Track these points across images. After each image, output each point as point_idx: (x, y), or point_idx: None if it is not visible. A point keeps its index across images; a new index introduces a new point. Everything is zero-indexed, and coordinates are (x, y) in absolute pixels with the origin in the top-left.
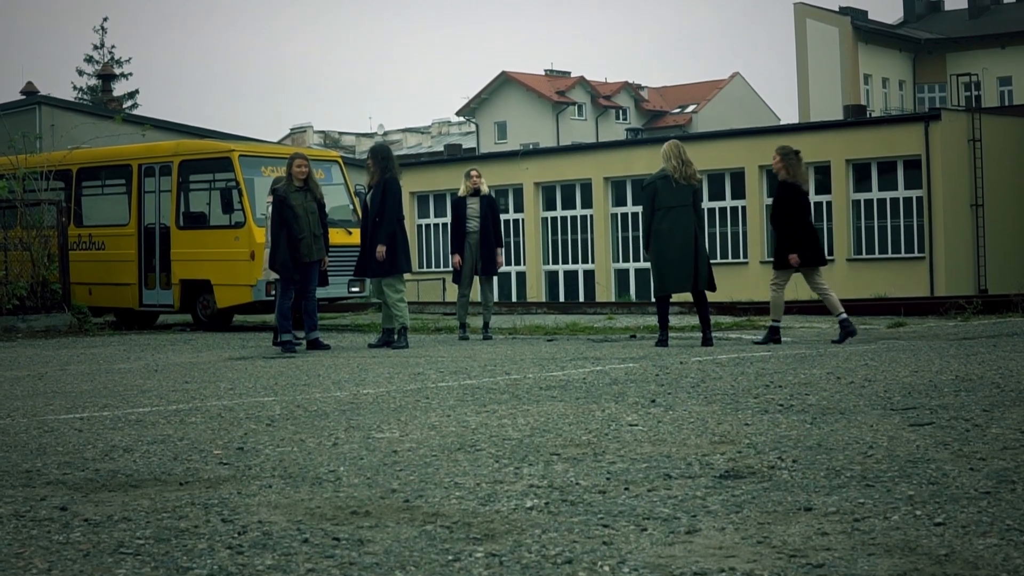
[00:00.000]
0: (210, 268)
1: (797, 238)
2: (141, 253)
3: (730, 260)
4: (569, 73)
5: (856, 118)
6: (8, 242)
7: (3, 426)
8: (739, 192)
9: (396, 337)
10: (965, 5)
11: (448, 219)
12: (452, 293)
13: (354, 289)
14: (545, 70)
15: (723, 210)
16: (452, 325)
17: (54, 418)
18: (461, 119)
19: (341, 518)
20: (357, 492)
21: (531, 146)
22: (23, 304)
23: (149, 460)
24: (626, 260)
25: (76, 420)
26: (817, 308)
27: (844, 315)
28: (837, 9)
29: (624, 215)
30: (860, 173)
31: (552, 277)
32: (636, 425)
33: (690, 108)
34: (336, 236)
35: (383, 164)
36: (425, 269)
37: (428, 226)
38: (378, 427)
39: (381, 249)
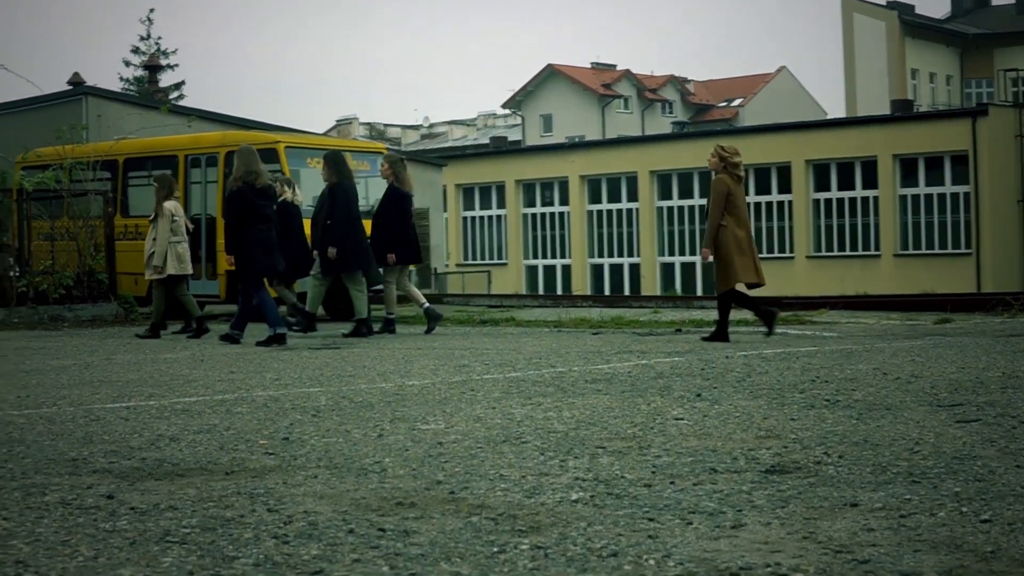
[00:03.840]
0: None
1: (401, 238)
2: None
3: (776, 255)
4: (615, 66)
5: (903, 113)
6: (55, 232)
7: (50, 415)
8: (785, 186)
9: (360, 328)
10: (1013, 0)
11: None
12: (498, 284)
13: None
14: (591, 63)
15: (769, 204)
16: (496, 318)
17: (101, 407)
18: (507, 112)
19: (386, 509)
20: (402, 483)
21: (577, 139)
22: (70, 294)
23: (195, 449)
24: (671, 254)
25: (122, 409)
26: (862, 303)
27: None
28: (885, 3)
29: (670, 208)
30: (907, 168)
31: (597, 270)
32: (682, 419)
33: (736, 102)
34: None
35: (336, 169)
36: (470, 261)
37: (473, 218)
38: (423, 419)
39: (332, 250)
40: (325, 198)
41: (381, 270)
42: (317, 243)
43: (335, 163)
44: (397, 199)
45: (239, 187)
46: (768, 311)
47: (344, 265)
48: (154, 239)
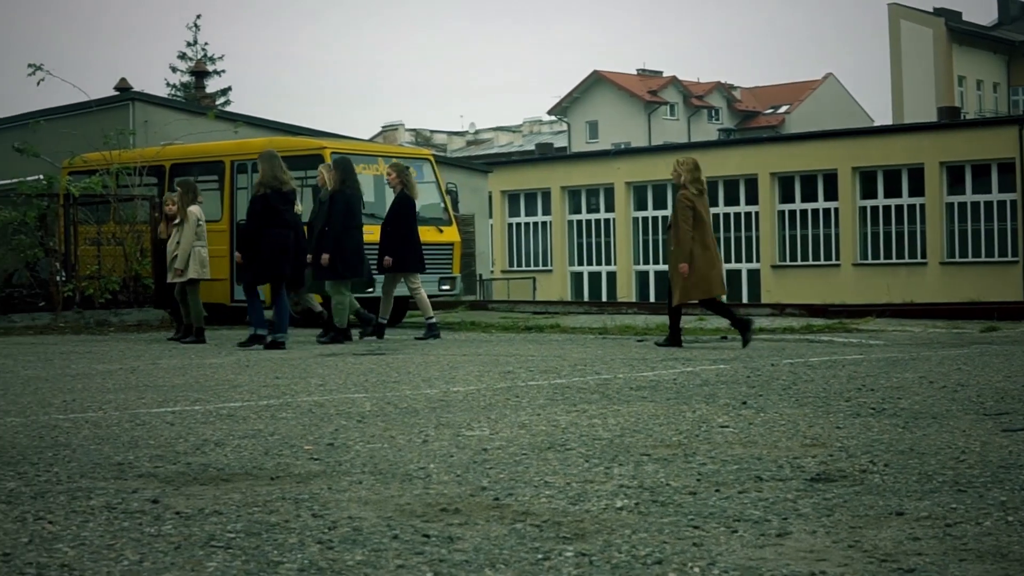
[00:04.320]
0: None
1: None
2: (233, 249)
3: (822, 262)
4: (661, 72)
5: (950, 120)
6: (101, 237)
7: (95, 419)
8: (831, 194)
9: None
10: None
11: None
12: (543, 291)
13: (444, 287)
14: (637, 69)
15: (815, 212)
16: (541, 324)
17: (146, 411)
18: (552, 118)
19: (431, 515)
20: (447, 489)
21: (623, 145)
22: (115, 298)
23: (240, 454)
24: None
25: (168, 414)
26: (909, 311)
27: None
28: (931, 10)
29: (716, 216)
30: (954, 176)
31: (643, 277)
32: (727, 427)
33: (783, 108)
34: (427, 234)
35: (344, 176)
36: (515, 268)
37: (518, 225)
38: (468, 425)
39: (325, 257)
40: (324, 204)
41: (408, 277)
42: (312, 250)
43: (345, 170)
44: (408, 207)
45: (264, 192)
46: (744, 320)
47: (334, 272)
48: (177, 243)
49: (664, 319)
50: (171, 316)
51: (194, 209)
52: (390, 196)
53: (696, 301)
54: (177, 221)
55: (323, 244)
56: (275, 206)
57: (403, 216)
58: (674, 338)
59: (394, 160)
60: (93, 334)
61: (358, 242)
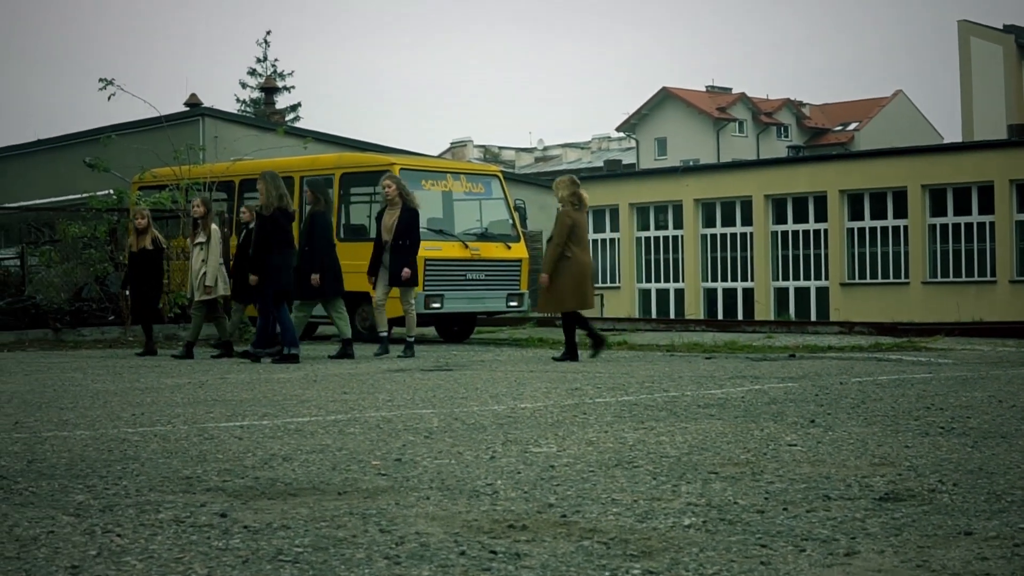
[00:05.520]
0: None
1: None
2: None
3: (891, 280)
4: (730, 89)
5: (1020, 138)
6: (170, 251)
7: (164, 433)
8: (901, 211)
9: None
10: None
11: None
12: (611, 308)
13: (512, 303)
14: (706, 86)
15: (884, 230)
16: (609, 341)
17: (214, 426)
18: (621, 135)
19: (498, 531)
20: (514, 506)
21: (691, 162)
22: (184, 312)
23: (308, 469)
24: (786, 279)
25: (236, 428)
26: (978, 330)
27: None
28: (1001, 27)
29: (784, 233)
30: None
31: (711, 294)
32: (795, 445)
33: (852, 126)
34: (495, 251)
35: (322, 197)
36: None
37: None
38: (535, 441)
39: (315, 277)
40: (305, 224)
41: (397, 291)
42: (297, 269)
43: (323, 191)
44: (413, 218)
45: (273, 212)
46: (599, 336)
47: (322, 291)
48: (203, 260)
49: (731, 336)
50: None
51: (216, 227)
52: (461, 211)
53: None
54: (202, 239)
55: (307, 264)
56: (285, 226)
57: (415, 228)
58: (570, 350)
59: (389, 172)
60: (162, 348)
61: (336, 260)
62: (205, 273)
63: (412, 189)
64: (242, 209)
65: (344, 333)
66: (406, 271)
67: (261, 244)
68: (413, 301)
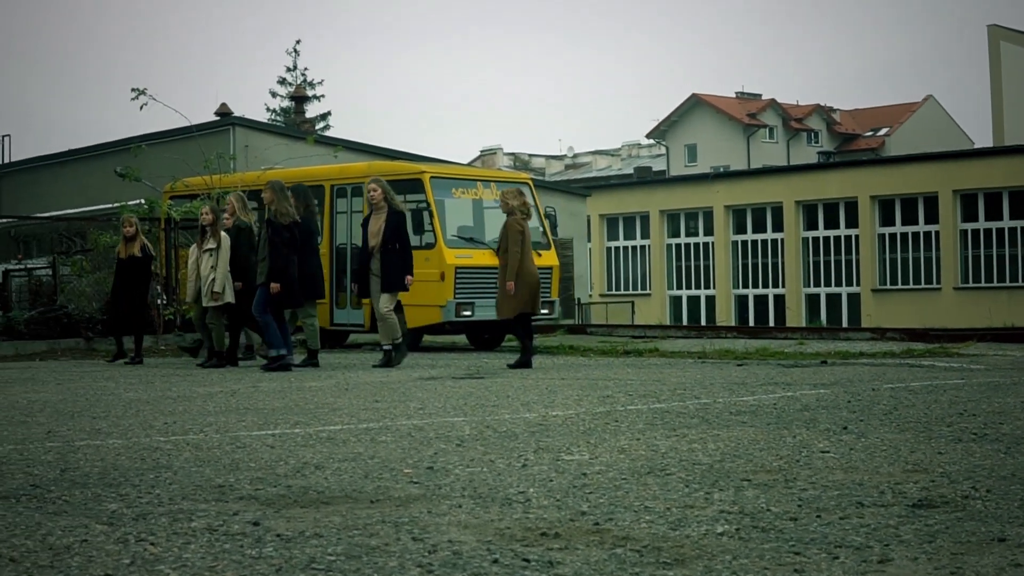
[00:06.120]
0: None
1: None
2: (333, 273)
3: (923, 286)
4: (760, 95)
5: None
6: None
7: (196, 441)
8: (932, 217)
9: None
10: None
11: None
12: (642, 315)
13: (543, 311)
14: (736, 92)
15: (915, 235)
16: (640, 348)
17: (247, 434)
18: (651, 141)
19: (531, 539)
20: (547, 514)
21: (722, 169)
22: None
23: (340, 477)
24: (817, 285)
25: (268, 437)
26: (1010, 335)
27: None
28: None
29: (816, 239)
30: None
31: (742, 301)
32: (828, 452)
33: (883, 131)
34: None
35: (304, 203)
36: (614, 292)
37: (617, 249)
38: (567, 449)
39: (275, 286)
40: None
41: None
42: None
43: (305, 197)
44: (400, 222)
45: (291, 221)
46: (532, 349)
47: (292, 300)
48: (212, 267)
49: (762, 343)
50: (116, 342)
51: (225, 235)
52: (492, 219)
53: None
54: (212, 246)
55: (274, 273)
56: (294, 234)
57: (404, 232)
58: (525, 357)
59: (375, 176)
60: (194, 357)
61: (316, 267)
62: (214, 279)
63: (443, 197)
64: (204, 210)
65: (313, 344)
66: (409, 279)
67: (281, 252)
68: (391, 306)
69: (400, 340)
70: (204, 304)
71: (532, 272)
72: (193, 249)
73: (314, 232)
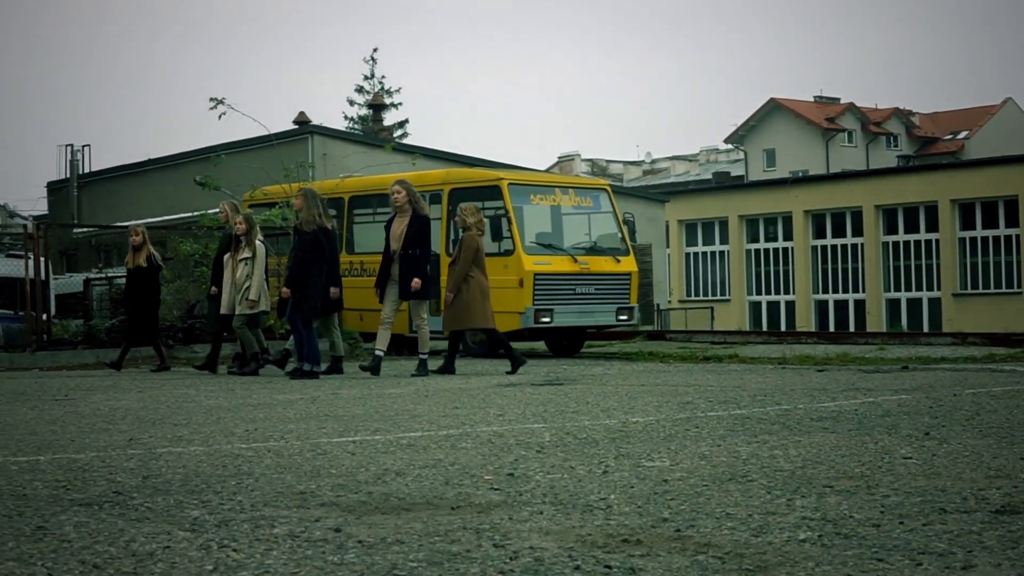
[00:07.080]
0: None
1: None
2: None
3: (1003, 290)
4: (839, 99)
5: None
6: (281, 269)
7: (278, 448)
8: (1012, 220)
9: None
10: None
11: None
12: (721, 321)
13: (622, 317)
14: (814, 96)
15: (996, 239)
16: (720, 354)
17: (327, 441)
18: (729, 146)
19: (612, 546)
20: (628, 520)
21: (800, 174)
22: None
23: (421, 484)
24: (898, 290)
25: (348, 443)
26: None
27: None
28: None
29: (895, 244)
30: None
31: (822, 306)
32: (910, 458)
33: (962, 134)
34: (605, 264)
35: (322, 209)
36: (693, 297)
37: (696, 254)
38: (648, 456)
39: (286, 291)
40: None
41: (408, 305)
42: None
43: (320, 203)
44: (424, 226)
45: (314, 228)
46: (519, 359)
47: (311, 307)
48: (247, 275)
49: (843, 348)
50: (155, 351)
51: (260, 243)
52: (570, 225)
53: (473, 328)
54: (247, 255)
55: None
56: (323, 242)
57: (426, 237)
58: (449, 365)
59: (400, 178)
60: (273, 364)
61: (332, 276)
62: (249, 287)
63: (521, 203)
64: (238, 220)
65: (338, 349)
66: (416, 281)
67: (300, 260)
68: (426, 316)
69: (426, 356)
70: (238, 311)
71: (483, 285)
72: (227, 259)
73: (321, 240)
